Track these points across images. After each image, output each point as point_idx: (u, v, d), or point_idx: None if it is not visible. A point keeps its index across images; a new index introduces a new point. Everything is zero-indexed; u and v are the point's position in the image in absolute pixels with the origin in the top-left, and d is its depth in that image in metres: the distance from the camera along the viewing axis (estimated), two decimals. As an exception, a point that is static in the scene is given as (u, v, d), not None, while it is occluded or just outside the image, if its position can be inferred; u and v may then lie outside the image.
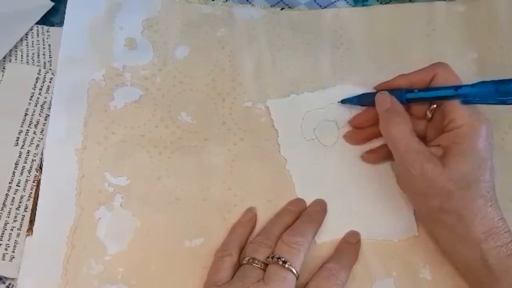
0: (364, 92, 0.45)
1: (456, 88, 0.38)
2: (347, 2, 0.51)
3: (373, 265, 0.42)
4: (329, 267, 0.39)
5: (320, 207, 0.43)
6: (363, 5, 0.51)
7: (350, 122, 0.46)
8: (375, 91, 0.44)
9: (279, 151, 0.45)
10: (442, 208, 0.38)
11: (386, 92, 0.42)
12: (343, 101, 0.46)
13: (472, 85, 0.38)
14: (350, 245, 0.42)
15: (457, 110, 0.38)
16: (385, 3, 0.51)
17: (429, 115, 0.42)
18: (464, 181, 0.37)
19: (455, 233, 0.38)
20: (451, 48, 0.49)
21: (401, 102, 0.41)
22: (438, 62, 0.41)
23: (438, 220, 0.39)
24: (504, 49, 0.48)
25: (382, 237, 0.42)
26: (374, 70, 0.48)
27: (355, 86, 0.47)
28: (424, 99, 0.41)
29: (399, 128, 0.39)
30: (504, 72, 0.47)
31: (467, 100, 0.38)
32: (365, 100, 0.44)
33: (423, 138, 0.42)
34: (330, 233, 0.42)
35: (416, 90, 0.41)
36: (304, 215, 0.42)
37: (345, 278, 0.39)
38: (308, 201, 0.44)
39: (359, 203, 0.44)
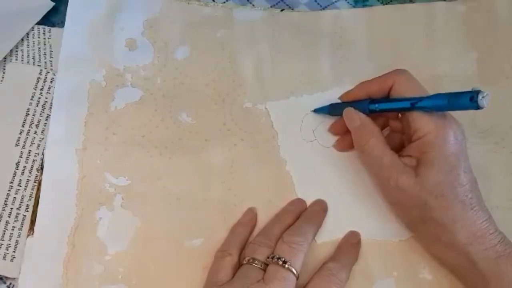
0: (333, 102, 0.45)
1: (412, 103, 0.38)
2: (348, 2, 0.51)
3: (374, 265, 0.42)
4: (330, 266, 0.39)
5: (321, 207, 0.43)
6: (363, 6, 0.51)
7: (330, 130, 0.46)
8: (341, 101, 0.45)
9: (279, 152, 0.45)
10: (421, 219, 0.38)
11: (352, 109, 0.42)
12: (315, 111, 0.46)
13: (428, 98, 0.38)
14: (351, 245, 0.42)
15: (420, 119, 0.38)
16: (385, 4, 0.51)
17: (400, 116, 0.42)
18: (438, 189, 0.37)
19: (440, 241, 0.38)
20: (451, 48, 0.48)
21: (365, 113, 0.41)
22: (397, 69, 0.41)
23: (421, 229, 0.39)
24: (504, 48, 0.48)
25: (382, 237, 0.42)
26: (374, 71, 0.47)
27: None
28: (385, 111, 0.41)
29: (370, 145, 0.40)
30: (504, 71, 0.47)
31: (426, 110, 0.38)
32: (334, 110, 0.45)
33: (403, 134, 0.42)
34: (330, 233, 0.42)
35: (376, 103, 0.41)
36: (304, 215, 0.42)
37: (346, 278, 0.39)
38: (308, 201, 0.44)
39: (359, 203, 0.43)
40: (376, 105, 0.41)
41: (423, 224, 0.38)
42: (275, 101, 0.47)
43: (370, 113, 0.41)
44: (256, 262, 0.38)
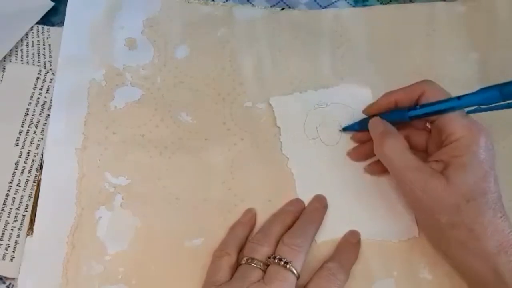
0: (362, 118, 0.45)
1: (459, 97, 0.38)
2: (348, 2, 0.51)
3: (374, 265, 0.41)
4: (329, 266, 0.39)
5: (320, 204, 0.43)
6: (363, 5, 0.51)
7: (353, 139, 0.45)
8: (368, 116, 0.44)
9: (281, 149, 0.45)
10: (451, 223, 0.37)
11: (378, 118, 0.42)
12: (344, 129, 0.45)
13: (474, 93, 0.37)
14: (350, 244, 0.41)
15: (454, 123, 0.38)
16: (385, 3, 0.51)
17: (429, 126, 0.41)
18: (471, 194, 0.36)
19: (467, 248, 0.37)
20: (451, 48, 0.49)
21: (404, 121, 0.41)
22: (426, 80, 0.41)
23: (448, 235, 0.38)
24: (505, 48, 0.48)
25: (382, 237, 0.42)
26: (374, 71, 0.48)
27: (360, 86, 0.47)
28: (428, 115, 0.40)
29: (394, 148, 0.39)
30: (505, 71, 0.47)
31: (472, 110, 0.37)
32: (365, 126, 0.43)
33: (424, 151, 0.41)
34: (330, 233, 0.42)
35: (418, 107, 0.40)
36: (304, 214, 0.42)
37: (345, 278, 0.39)
38: (308, 199, 0.43)
39: (359, 203, 0.43)
40: (418, 107, 0.40)
41: (452, 229, 0.37)
42: (279, 96, 0.47)
43: (412, 120, 0.40)
44: (255, 262, 0.38)
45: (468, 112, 0.38)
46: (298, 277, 0.37)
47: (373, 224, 0.43)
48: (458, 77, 0.47)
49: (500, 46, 0.48)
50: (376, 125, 0.41)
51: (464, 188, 0.36)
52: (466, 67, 0.48)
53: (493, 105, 0.37)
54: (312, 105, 0.47)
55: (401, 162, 0.39)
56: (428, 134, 0.42)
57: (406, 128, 0.42)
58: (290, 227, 0.41)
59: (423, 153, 0.41)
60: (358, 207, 0.43)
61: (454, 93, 0.46)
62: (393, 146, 0.39)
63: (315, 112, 0.46)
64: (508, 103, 0.36)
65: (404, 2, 0.51)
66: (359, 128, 0.44)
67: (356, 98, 0.46)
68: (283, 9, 0.51)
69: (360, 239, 0.42)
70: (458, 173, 0.37)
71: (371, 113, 0.43)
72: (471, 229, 0.36)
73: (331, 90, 0.47)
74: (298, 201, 0.43)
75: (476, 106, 0.38)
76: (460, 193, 0.36)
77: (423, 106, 0.40)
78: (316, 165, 0.45)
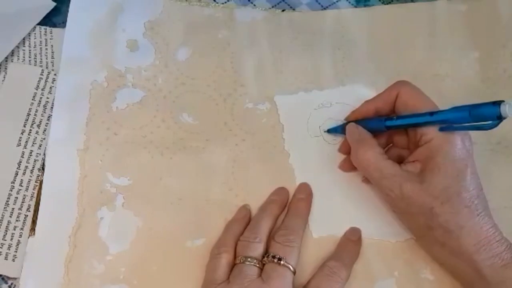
0: (343, 121, 0.45)
1: (431, 113, 0.38)
2: (349, 2, 0.51)
3: (375, 265, 0.41)
4: (330, 265, 0.39)
5: (305, 194, 0.43)
6: (365, 5, 0.51)
7: (340, 150, 0.45)
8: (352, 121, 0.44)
9: (283, 146, 0.45)
10: (428, 225, 0.37)
11: (354, 124, 0.42)
12: (329, 131, 0.46)
13: (446, 110, 0.37)
14: (351, 242, 0.41)
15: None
16: (387, 3, 0.51)
17: None
18: (444, 195, 0.36)
19: (446, 247, 0.37)
20: (453, 47, 0.48)
21: (381, 130, 0.41)
22: (399, 81, 0.41)
23: (428, 236, 0.38)
24: (506, 48, 0.48)
25: (380, 237, 0.42)
26: (376, 71, 0.48)
27: (366, 86, 0.47)
28: (403, 126, 0.40)
29: (368, 156, 0.39)
30: (506, 71, 0.47)
31: (444, 128, 0.37)
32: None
33: (408, 149, 0.41)
34: (328, 229, 0.42)
35: (394, 118, 0.40)
36: (291, 208, 0.42)
37: (347, 276, 0.39)
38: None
39: (358, 202, 0.43)
40: (395, 118, 0.40)
41: (429, 231, 0.38)
42: (283, 95, 0.47)
43: (388, 130, 0.41)
44: (249, 259, 0.38)
45: (442, 129, 0.37)
46: (294, 272, 0.38)
47: (371, 223, 0.43)
48: (459, 76, 0.47)
49: (502, 45, 0.48)
50: (352, 132, 0.42)
51: (437, 190, 0.37)
52: (467, 66, 0.48)
53: (464, 124, 0.37)
54: (316, 104, 0.47)
55: (375, 171, 0.39)
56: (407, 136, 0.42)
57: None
58: (278, 217, 0.42)
59: (407, 150, 0.42)
60: (356, 206, 0.43)
61: (455, 93, 0.47)
62: (366, 154, 0.40)
63: (319, 111, 0.46)
64: (478, 124, 0.35)
65: (406, 2, 0.51)
66: (341, 132, 0.44)
67: (360, 98, 0.46)
68: (284, 10, 0.51)
69: (360, 236, 0.42)
70: (431, 175, 0.37)
71: (353, 119, 0.44)
72: (448, 229, 0.36)
73: (335, 90, 0.47)
74: (281, 189, 0.43)
75: (448, 124, 0.37)
76: (434, 195, 0.37)
77: (399, 117, 0.40)
78: (317, 162, 0.45)
